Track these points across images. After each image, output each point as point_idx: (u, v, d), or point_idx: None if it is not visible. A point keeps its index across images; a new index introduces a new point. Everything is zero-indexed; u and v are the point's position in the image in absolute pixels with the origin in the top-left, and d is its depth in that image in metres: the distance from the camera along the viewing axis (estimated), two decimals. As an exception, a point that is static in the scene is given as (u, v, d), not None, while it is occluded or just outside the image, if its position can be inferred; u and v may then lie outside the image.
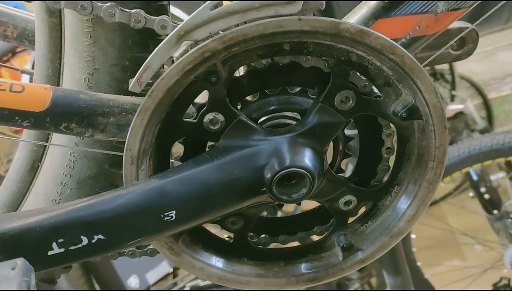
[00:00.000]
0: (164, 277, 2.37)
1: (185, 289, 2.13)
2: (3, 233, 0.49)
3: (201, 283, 2.14)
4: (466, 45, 0.87)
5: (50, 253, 0.50)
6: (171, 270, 2.35)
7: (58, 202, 0.66)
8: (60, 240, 0.50)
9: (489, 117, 3.49)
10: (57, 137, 0.64)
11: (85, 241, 0.51)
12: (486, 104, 3.41)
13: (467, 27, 0.82)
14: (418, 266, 2.24)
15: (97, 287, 2.06)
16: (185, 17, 1.95)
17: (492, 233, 2.17)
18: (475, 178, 2.15)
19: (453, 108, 2.66)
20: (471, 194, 2.23)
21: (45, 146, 0.67)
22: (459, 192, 3.21)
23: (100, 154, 0.64)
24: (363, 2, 0.62)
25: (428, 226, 2.47)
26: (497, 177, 2.39)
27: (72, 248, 0.51)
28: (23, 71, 0.74)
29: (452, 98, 2.85)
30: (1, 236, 0.49)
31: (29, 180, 0.70)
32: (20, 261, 0.42)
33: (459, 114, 2.66)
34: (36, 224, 0.50)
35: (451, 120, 2.71)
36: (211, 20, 0.48)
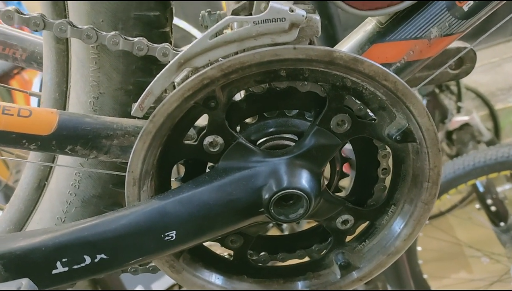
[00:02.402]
0: (170, 288, 2.37)
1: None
2: (10, 252, 0.51)
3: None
4: (464, 64, 0.88)
5: (54, 272, 0.52)
6: (176, 280, 2.35)
7: (64, 220, 0.68)
8: (64, 259, 0.52)
9: (496, 128, 3.47)
10: (63, 158, 0.66)
11: (88, 260, 0.53)
12: (493, 115, 3.39)
13: (465, 47, 0.83)
14: (424, 279, 2.23)
15: (103, 298, 2.08)
16: (189, 27, 1.97)
17: (499, 246, 2.16)
18: (481, 189, 2.15)
19: (459, 119, 2.66)
20: (477, 206, 2.22)
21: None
22: (465, 203, 3.20)
23: (104, 174, 0.66)
24: (359, 26, 0.64)
25: (434, 238, 2.46)
26: (504, 188, 2.38)
27: (75, 267, 0.52)
28: (31, 94, 0.77)
29: (458, 109, 2.84)
30: (8, 255, 0.51)
31: (35, 198, 0.72)
32: (24, 281, 0.44)
33: (465, 125, 2.65)
34: (41, 244, 0.51)
35: (457, 132, 2.71)
36: (210, 49, 0.50)
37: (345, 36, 0.67)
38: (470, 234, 2.71)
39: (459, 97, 2.92)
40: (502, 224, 2.12)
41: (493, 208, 2.13)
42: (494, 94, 3.55)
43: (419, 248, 2.19)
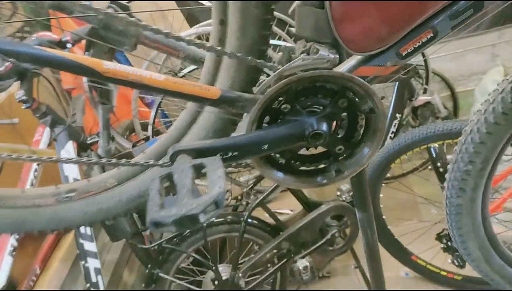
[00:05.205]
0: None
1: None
2: (209, 147, 1.14)
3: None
4: (409, 72, 1.55)
5: (224, 157, 1.13)
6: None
7: (203, 137, 1.17)
8: (223, 153, 1.15)
9: (455, 107, 3.95)
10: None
11: (230, 154, 1.13)
12: (453, 97, 3.91)
13: (411, 64, 1.48)
14: (384, 219, 2.68)
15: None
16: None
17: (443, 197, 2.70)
18: (434, 154, 2.54)
19: (423, 98, 3.12)
20: (430, 167, 2.59)
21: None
22: (425, 167, 3.77)
23: (225, 115, 1.13)
24: (354, 55, 1.28)
25: (396, 189, 2.96)
26: (452, 156, 2.91)
27: (225, 157, 1.14)
28: (183, 75, 1.37)
29: (424, 91, 3.30)
30: (206, 149, 1.15)
31: (187, 127, 1.16)
32: (218, 157, 1.08)
33: (427, 103, 3.11)
34: (218, 144, 1.11)
35: (420, 108, 3.11)
36: (291, 69, 1.13)
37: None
38: (426, 190, 3.19)
39: (426, 81, 3.40)
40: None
41: (441, 169, 2.53)
42: (456, 79, 4.00)
43: (381, 195, 2.57)
